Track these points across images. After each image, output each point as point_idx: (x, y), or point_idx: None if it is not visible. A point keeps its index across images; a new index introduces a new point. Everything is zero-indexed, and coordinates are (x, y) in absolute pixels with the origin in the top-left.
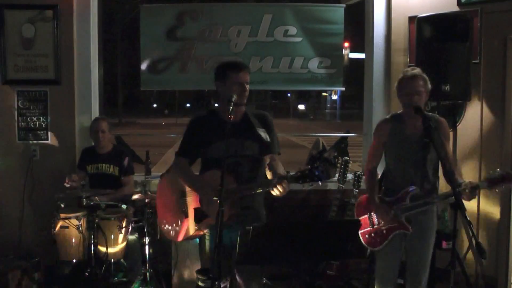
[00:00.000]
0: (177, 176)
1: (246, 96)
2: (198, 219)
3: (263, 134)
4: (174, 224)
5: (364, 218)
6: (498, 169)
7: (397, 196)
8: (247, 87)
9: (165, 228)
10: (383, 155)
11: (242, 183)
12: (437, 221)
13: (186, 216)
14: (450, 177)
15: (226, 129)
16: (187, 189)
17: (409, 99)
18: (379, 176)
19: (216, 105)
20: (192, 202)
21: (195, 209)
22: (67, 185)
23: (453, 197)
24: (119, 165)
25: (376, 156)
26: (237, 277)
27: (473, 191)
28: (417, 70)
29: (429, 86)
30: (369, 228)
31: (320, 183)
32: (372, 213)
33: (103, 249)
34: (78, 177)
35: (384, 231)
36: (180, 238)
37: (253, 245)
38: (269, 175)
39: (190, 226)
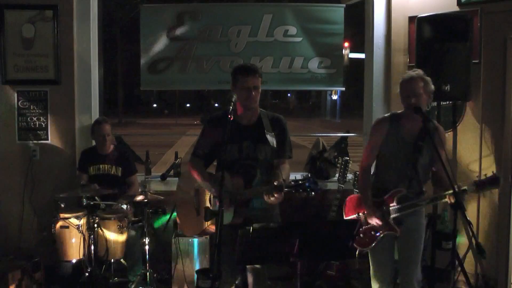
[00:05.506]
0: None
1: (255, 101)
2: (207, 218)
3: (270, 138)
4: (187, 219)
5: (352, 218)
6: (486, 174)
7: (384, 197)
8: (255, 92)
9: (180, 222)
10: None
11: (252, 186)
12: (437, 221)
13: (198, 213)
14: (443, 181)
15: (227, 129)
16: (201, 188)
17: (407, 102)
18: None
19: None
20: (204, 200)
21: (205, 208)
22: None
23: (440, 201)
24: (122, 165)
25: (372, 154)
26: (248, 277)
27: (462, 195)
28: (416, 72)
29: (431, 87)
30: (358, 228)
31: (313, 193)
32: (361, 213)
33: (103, 249)
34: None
35: (373, 232)
36: (192, 233)
37: (253, 245)
38: None
39: (201, 223)
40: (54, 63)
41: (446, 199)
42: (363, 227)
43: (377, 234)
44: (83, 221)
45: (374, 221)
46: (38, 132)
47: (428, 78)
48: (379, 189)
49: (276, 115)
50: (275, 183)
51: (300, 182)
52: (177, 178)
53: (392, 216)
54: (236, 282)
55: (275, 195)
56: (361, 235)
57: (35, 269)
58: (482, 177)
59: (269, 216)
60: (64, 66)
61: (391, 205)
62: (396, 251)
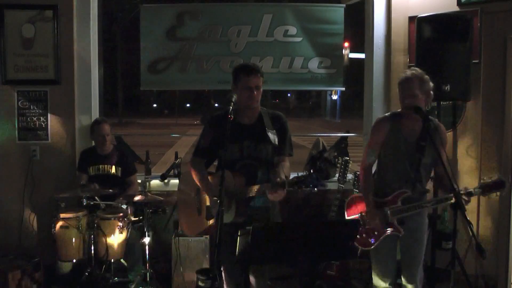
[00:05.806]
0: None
1: (256, 100)
2: (209, 216)
3: (272, 136)
4: (189, 219)
5: (354, 218)
6: (491, 176)
7: (388, 198)
8: (257, 92)
9: (181, 222)
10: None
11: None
12: (437, 221)
13: (200, 212)
14: (444, 181)
15: (227, 129)
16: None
17: (403, 102)
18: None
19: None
20: (206, 199)
21: (207, 207)
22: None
23: (446, 202)
24: (121, 165)
25: (373, 154)
26: (250, 276)
27: (467, 197)
28: (412, 72)
29: (429, 86)
30: (360, 228)
31: (316, 189)
32: (363, 213)
33: (103, 249)
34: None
35: (376, 232)
36: (194, 232)
37: (253, 245)
38: None
39: (203, 222)
40: (54, 63)
41: (452, 200)
42: (366, 226)
43: (381, 232)
44: (83, 221)
45: (375, 224)
46: (38, 132)
47: (426, 77)
48: (381, 190)
49: (276, 112)
50: (277, 180)
51: (302, 177)
52: (177, 178)
53: (396, 217)
54: (238, 282)
55: (278, 191)
56: (363, 234)
57: (35, 269)
58: (488, 180)
59: (270, 215)
60: (64, 66)
61: (395, 205)
62: (399, 251)
